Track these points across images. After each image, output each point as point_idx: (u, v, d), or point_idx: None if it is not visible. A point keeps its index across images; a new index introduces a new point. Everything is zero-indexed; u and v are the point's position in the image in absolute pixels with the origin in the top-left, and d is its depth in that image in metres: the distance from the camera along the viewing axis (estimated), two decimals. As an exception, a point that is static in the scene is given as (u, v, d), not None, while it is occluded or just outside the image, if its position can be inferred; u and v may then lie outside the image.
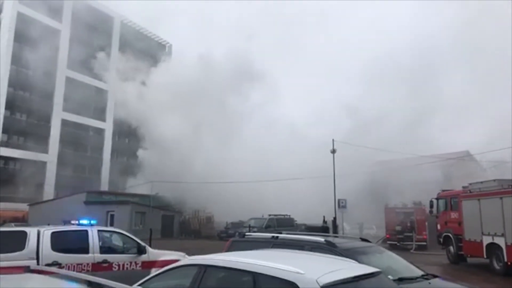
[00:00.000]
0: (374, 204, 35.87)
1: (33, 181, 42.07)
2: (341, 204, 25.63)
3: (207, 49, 51.03)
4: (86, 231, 7.95)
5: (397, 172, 46.38)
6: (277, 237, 7.12)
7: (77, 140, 49.17)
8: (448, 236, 17.40)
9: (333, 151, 25.06)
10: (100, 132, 51.55)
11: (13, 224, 23.93)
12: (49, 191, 44.60)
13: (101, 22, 50.67)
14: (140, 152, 42.75)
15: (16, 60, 42.22)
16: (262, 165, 37.77)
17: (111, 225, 32.03)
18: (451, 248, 17.14)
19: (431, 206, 19.11)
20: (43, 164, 45.11)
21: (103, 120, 52.05)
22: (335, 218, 21.17)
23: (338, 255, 5.34)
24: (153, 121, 40.21)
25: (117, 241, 8.56)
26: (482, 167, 50.82)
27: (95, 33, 49.31)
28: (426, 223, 25.99)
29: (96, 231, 8.03)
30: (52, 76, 46.24)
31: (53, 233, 7.48)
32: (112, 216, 31.82)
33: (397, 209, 27.07)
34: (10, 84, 42.05)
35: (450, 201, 17.75)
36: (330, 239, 6.61)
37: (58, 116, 46.60)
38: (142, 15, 48.34)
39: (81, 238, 7.85)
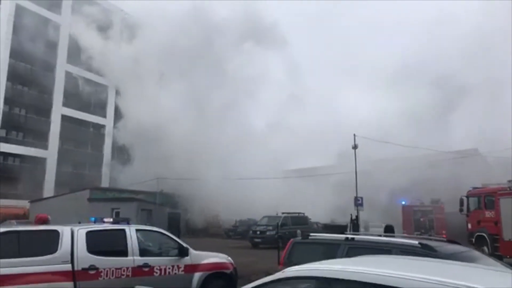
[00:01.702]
0: (377, 201, 35.17)
1: (32, 177, 40.87)
2: (357, 202, 24.69)
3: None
4: (124, 230, 6.92)
5: (401, 169, 45.80)
6: (353, 238, 6.12)
7: (78, 136, 47.92)
8: (482, 236, 16.50)
9: (355, 147, 24.09)
10: (100, 128, 50.31)
11: (15, 221, 22.79)
12: (49, 188, 43.43)
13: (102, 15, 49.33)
14: (142, 147, 41.46)
15: (15, 54, 40.88)
16: (270, 162, 36.89)
17: (116, 223, 31.07)
18: (485, 249, 16.23)
19: (461, 204, 18.19)
20: (43, 160, 43.90)
21: (104, 116, 50.82)
22: (357, 217, 20.25)
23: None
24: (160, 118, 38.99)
25: (156, 242, 7.53)
26: (490, 165, 50.29)
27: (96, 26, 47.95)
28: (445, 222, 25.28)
29: (134, 230, 7.00)
30: (51, 71, 45.01)
31: (88, 233, 6.44)
32: (117, 213, 30.58)
33: (414, 207, 26.25)
34: (9, 79, 40.72)
35: (484, 199, 16.85)
36: (424, 241, 5.62)
37: (58, 111, 45.33)
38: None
39: (119, 238, 6.82)
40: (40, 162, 43.41)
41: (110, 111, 50.88)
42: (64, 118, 45.97)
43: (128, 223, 7.20)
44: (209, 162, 35.93)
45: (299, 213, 26.04)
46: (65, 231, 6.23)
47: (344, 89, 58.89)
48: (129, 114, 42.96)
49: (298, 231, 24.68)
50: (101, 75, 47.24)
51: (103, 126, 50.37)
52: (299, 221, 25.00)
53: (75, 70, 46.87)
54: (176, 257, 7.35)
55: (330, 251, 6.26)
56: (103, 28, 46.24)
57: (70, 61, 46.47)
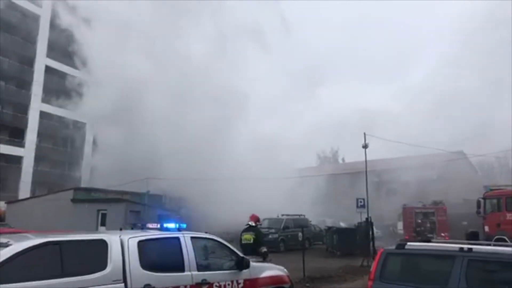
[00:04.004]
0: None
1: (7, 177, 38.44)
2: (359, 204, 23.83)
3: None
4: (178, 238, 5.67)
5: (391, 171, 45.82)
6: (471, 249, 5.06)
7: (57, 134, 45.48)
8: (503, 239, 15.86)
9: (365, 146, 23.25)
10: (81, 126, 47.96)
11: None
12: (25, 188, 41.03)
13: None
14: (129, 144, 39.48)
15: (-9, 46, 38.42)
16: (265, 160, 35.66)
17: (103, 225, 29.22)
18: (508, 253, 15.60)
19: (478, 206, 17.57)
20: (19, 159, 41.42)
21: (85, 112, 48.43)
22: (367, 219, 19.37)
23: None
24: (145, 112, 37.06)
25: (212, 252, 6.29)
26: (475, 168, 50.96)
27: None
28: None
29: (189, 239, 5.76)
30: (30, 64, 42.57)
31: (140, 242, 5.16)
32: (104, 215, 28.92)
33: (416, 209, 25.66)
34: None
35: (505, 200, 16.25)
36: None
37: (36, 107, 42.89)
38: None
39: (173, 249, 5.57)
40: (16, 161, 40.93)
41: (92, 107, 48.49)
42: (43, 114, 43.55)
43: (179, 229, 5.94)
44: (200, 163, 34.44)
45: (299, 215, 25.08)
46: (113, 240, 4.94)
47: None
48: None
49: (299, 234, 23.70)
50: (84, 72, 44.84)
51: (84, 124, 48.00)
52: (301, 223, 24.01)
53: (55, 65, 44.43)
54: (235, 271, 6.15)
55: (441, 265, 5.20)
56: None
57: (50, 55, 44.04)
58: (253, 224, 9.57)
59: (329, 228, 22.77)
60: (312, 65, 74.87)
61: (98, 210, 29.21)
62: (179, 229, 5.95)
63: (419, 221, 25.03)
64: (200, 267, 5.66)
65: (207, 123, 34.52)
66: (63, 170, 46.35)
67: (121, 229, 5.96)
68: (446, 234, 24.31)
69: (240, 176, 30.02)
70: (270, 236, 22.29)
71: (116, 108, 36.95)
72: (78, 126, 46.84)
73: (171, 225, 5.94)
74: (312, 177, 43.15)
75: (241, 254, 6.37)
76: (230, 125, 36.90)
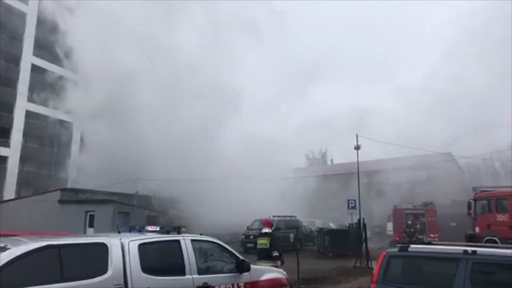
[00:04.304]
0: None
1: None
2: (350, 205, 23.88)
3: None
4: (178, 241, 5.54)
5: (380, 172, 46.19)
6: (475, 252, 5.05)
7: (43, 133, 44.73)
8: (494, 240, 16.01)
9: (357, 147, 23.28)
10: (68, 125, 47.24)
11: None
12: (10, 188, 40.23)
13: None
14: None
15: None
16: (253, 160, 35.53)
17: (91, 226, 28.77)
18: (498, 253, 15.76)
19: (469, 207, 17.71)
20: (4, 159, 40.62)
21: (72, 112, 47.70)
22: (359, 220, 19.34)
23: None
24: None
25: (212, 255, 6.17)
26: (463, 170, 51.68)
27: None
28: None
29: (189, 242, 5.64)
30: (16, 63, 41.80)
31: (141, 246, 5.02)
32: (91, 216, 28.52)
33: (406, 210, 25.83)
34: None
35: (495, 202, 16.42)
36: None
37: (22, 107, 42.13)
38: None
39: (174, 252, 5.45)
40: (1, 161, 40.16)
41: (79, 107, 47.81)
42: (29, 114, 42.80)
43: (179, 232, 5.81)
44: (190, 162, 34.16)
45: (291, 216, 25.02)
46: (113, 243, 4.80)
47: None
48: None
49: (291, 235, 23.65)
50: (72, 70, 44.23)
51: (71, 124, 47.27)
52: (292, 225, 24.00)
53: (42, 63, 43.71)
54: (235, 274, 6.04)
55: (445, 267, 5.17)
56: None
57: (37, 53, 43.31)
58: (268, 231, 10.52)
59: (321, 229, 22.76)
60: (305, 65, 75.13)
61: (86, 212, 28.80)
62: (179, 232, 5.81)
63: (409, 222, 25.18)
64: (200, 271, 5.54)
65: (198, 122, 34.25)
66: (49, 171, 45.61)
67: (119, 232, 5.80)
68: (436, 235, 24.52)
69: (231, 176, 29.82)
70: (261, 238, 22.18)
71: (104, 107, 36.47)
72: (65, 125, 46.17)
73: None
74: (302, 178, 43.18)
75: (241, 257, 6.26)
76: (222, 124, 36.72)
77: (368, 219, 32.42)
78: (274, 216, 24.99)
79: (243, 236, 23.20)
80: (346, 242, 19.70)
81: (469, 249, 5.07)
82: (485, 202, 17.10)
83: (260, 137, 35.52)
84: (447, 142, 48.87)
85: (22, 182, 41.44)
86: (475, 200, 17.73)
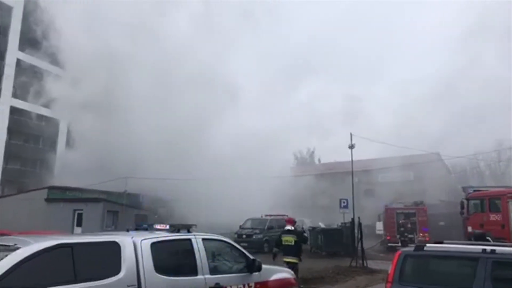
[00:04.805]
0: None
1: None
2: (342, 204, 23.90)
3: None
4: (190, 240, 5.35)
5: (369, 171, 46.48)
6: (494, 250, 4.98)
7: (28, 130, 43.82)
8: (487, 239, 16.16)
9: (351, 147, 23.27)
10: (54, 122, 46.34)
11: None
12: (-7, 187, 39.38)
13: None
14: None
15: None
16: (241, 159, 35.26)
17: (79, 226, 28.25)
18: (491, 252, 15.91)
19: (462, 207, 17.87)
20: (-13, 156, 39.73)
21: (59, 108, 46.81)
22: (353, 219, 19.33)
23: None
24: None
25: (222, 254, 5.99)
26: (450, 170, 52.38)
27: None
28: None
29: (200, 240, 5.45)
30: (1, 58, 40.85)
31: (153, 245, 4.81)
32: (80, 215, 28.03)
33: (398, 210, 25.95)
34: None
35: (488, 201, 16.58)
36: None
37: (6, 102, 41.18)
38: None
39: (185, 251, 5.26)
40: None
41: (65, 103, 46.94)
42: (14, 110, 41.87)
43: (189, 231, 5.61)
44: (180, 161, 33.78)
45: (283, 215, 24.88)
46: (126, 242, 4.58)
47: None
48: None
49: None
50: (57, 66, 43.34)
51: (57, 120, 46.40)
52: (284, 224, 23.84)
53: (28, 58, 42.78)
54: (246, 274, 5.87)
55: (464, 267, 5.09)
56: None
57: (22, 48, 42.38)
58: (292, 228, 11.09)
59: (313, 228, 22.72)
60: (295, 63, 74.93)
61: (74, 210, 28.31)
62: (188, 230, 5.61)
63: (401, 221, 25.29)
64: (212, 271, 5.36)
65: (189, 119, 33.81)
66: (34, 168, 44.70)
67: (127, 230, 5.58)
68: (426, 234, 24.69)
69: (223, 175, 29.56)
70: (254, 237, 22.08)
71: (92, 101, 35.75)
72: (51, 121, 45.27)
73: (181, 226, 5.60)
74: (290, 177, 43.14)
75: (251, 257, 6.10)
76: (214, 121, 36.33)
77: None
78: (266, 215, 24.96)
79: (236, 235, 23.00)
80: (340, 241, 19.69)
81: (488, 248, 5.00)
82: (478, 201, 17.27)
83: (251, 136, 35.35)
84: (436, 142, 49.45)
85: (6, 180, 40.50)
86: (468, 199, 17.89)
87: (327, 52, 73.92)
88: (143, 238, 4.80)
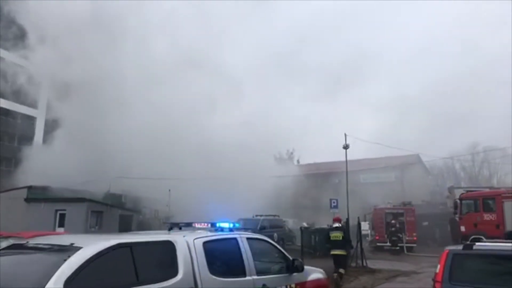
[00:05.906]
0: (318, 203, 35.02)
1: None
2: (332, 204, 23.96)
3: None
4: (236, 239, 5.10)
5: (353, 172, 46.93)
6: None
7: (4, 128, 42.14)
8: (480, 239, 16.45)
9: (346, 147, 23.32)
10: (31, 120, 44.75)
11: None
12: (-35, 186, 37.53)
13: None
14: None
15: None
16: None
17: (61, 226, 27.28)
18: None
19: (455, 207, 18.16)
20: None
21: (35, 107, 45.29)
22: (347, 219, 19.37)
23: None
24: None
25: (265, 255, 5.74)
26: (429, 171, 53.57)
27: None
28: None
29: (245, 240, 5.20)
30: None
31: (205, 244, 4.53)
32: (62, 215, 27.07)
33: (386, 210, 26.27)
34: None
35: (482, 202, 16.88)
36: None
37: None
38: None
39: (233, 251, 5.00)
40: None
41: (43, 101, 45.43)
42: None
43: (231, 230, 5.34)
44: (163, 162, 33.15)
45: (274, 215, 24.82)
46: (180, 242, 4.28)
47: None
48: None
49: (275, 235, 23.39)
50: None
51: (34, 118, 44.85)
52: (276, 224, 23.81)
53: (4, 54, 41.14)
54: (287, 274, 5.65)
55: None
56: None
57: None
58: (339, 225, 12.89)
59: (306, 228, 22.64)
60: (286, 63, 74.57)
61: (56, 210, 27.32)
62: (231, 229, 5.36)
63: (389, 221, 25.58)
64: (258, 271, 5.12)
65: (180, 116, 33.24)
66: (8, 167, 42.99)
67: (171, 229, 5.26)
68: (414, 234, 25.07)
69: (213, 175, 29.18)
70: (247, 237, 21.84)
71: (71, 99, 34.73)
72: (28, 119, 43.72)
73: (225, 224, 5.33)
74: (272, 178, 43.06)
75: (291, 257, 5.89)
76: (204, 119, 35.88)
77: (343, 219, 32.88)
78: (257, 215, 24.76)
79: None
80: (335, 241, 19.62)
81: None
82: (471, 202, 17.56)
83: (242, 134, 35.11)
84: (415, 144, 50.64)
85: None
86: (461, 199, 18.19)
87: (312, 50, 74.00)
88: (195, 237, 4.52)
